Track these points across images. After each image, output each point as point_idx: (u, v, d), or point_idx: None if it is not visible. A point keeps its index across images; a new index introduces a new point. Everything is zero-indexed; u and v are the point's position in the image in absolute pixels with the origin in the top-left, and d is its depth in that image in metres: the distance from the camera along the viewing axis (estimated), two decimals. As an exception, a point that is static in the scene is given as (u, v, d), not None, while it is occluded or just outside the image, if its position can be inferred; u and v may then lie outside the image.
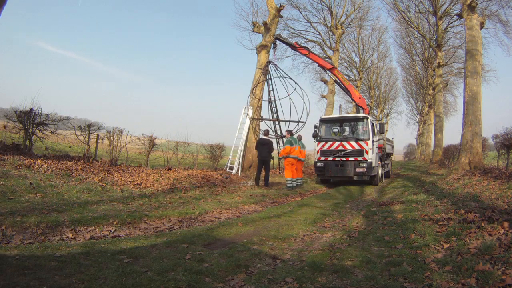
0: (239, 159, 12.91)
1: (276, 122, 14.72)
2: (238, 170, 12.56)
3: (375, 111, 40.88)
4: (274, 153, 15.30)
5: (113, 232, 4.19)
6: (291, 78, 13.87)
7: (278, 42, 15.19)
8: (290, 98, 13.88)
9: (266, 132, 10.50)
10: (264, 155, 9.79)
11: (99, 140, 10.28)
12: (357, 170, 10.91)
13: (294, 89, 13.88)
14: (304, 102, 13.49)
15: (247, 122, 13.60)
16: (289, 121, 13.92)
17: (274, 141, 14.89)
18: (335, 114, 22.88)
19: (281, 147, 15.31)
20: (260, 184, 9.99)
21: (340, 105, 36.38)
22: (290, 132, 11.30)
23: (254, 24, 15.81)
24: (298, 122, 13.55)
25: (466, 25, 11.73)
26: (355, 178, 11.03)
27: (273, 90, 14.69)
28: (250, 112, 13.61)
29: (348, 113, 31.55)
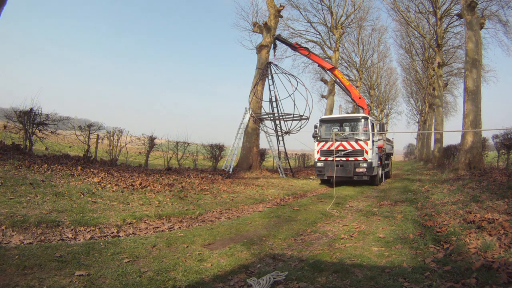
0: (232, 159, 12.89)
1: (277, 121, 14.71)
2: (229, 169, 12.52)
3: (375, 111, 40.89)
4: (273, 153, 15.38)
5: (113, 232, 4.19)
6: (292, 75, 13.85)
7: (278, 42, 15.20)
8: (292, 96, 13.89)
9: None
10: None
11: (99, 140, 10.28)
12: (357, 170, 10.91)
13: (296, 88, 13.87)
14: (306, 100, 13.37)
15: (245, 122, 13.63)
16: (292, 118, 13.87)
17: (274, 139, 14.94)
18: (335, 114, 22.89)
19: (281, 146, 15.34)
20: None
21: (340, 105, 36.45)
22: None
23: (254, 24, 15.82)
24: (301, 119, 13.51)
25: (465, 25, 11.73)
26: (355, 178, 11.03)
27: (274, 89, 14.71)
28: (247, 116, 13.61)
29: (348, 113, 31.57)
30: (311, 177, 14.56)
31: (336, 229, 4.93)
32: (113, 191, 6.15)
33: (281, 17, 16.34)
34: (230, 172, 12.03)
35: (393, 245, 3.67)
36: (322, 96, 28.13)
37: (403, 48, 32.27)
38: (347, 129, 11.85)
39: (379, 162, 12.05)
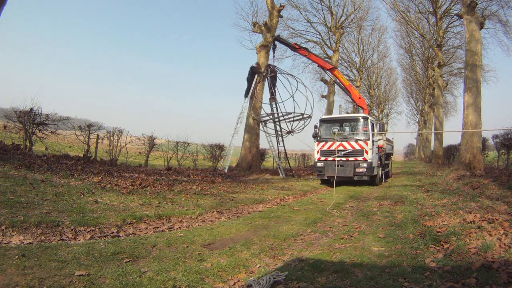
0: (228, 159, 12.91)
1: (277, 122, 14.70)
2: (225, 169, 12.53)
3: (375, 111, 40.91)
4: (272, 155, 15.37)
5: (113, 232, 4.19)
6: (292, 75, 13.86)
7: (277, 42, 15.20)
8: (292, 96, 13.87)
9: None
10: None
11: (99, 140, 10.29)
12: (357, 170, 10.91)
13: (297, 88, 13.87)
14: (307, 98, 13.33)
15: (244, 121, 13.67)
16: (293, 118, 13.86)
17: (274, 139, 14.94)
18: (335, 114, 22.88)
19: (281, 146, 15.34)
20: None
21: (340, 105, 36.46)
22: None
23: (254, 24, 15.82)
24: (303, 117, 13.49)
25: (466, 25, 11.74)
26: (355, 178, 11.02)
27: (274, 90, 14.71)
28: (246, 106, 13.72)
29: (348, 113, 31.57)
30: (311, 177, 14.56)
31: (336, 229, 4.93)
32: (113, 191, 6.15)
33: (281, 17, 16.34)
34: (226, 172, 12.03)
35: (393, 245, 3.67)
36: (322, 96, 28.16)
37: (403, 48, 32.36)
38: (347, 129, 11.85)
39: (379, 162, 12.05)
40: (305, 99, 13.96)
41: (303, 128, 13.81)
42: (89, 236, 3.88)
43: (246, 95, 14.20)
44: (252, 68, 14.11)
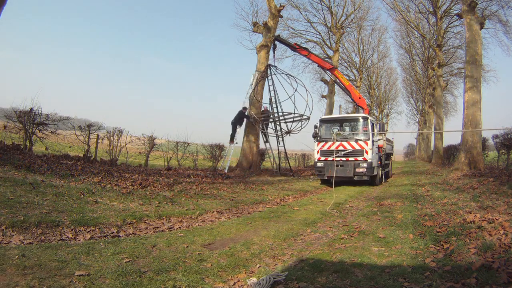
0: (229, 160, 12.92)
1: (277, 122, 14.71)
2: (225, 169, 12.55)
3: (375, 111, 40.90)
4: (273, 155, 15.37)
5: (113, 232, 4.19)
6: (292, 76, 13.88)
7: (277, 42, 15.20)
8: (291, 98, 13.89)
9: None
10: None
11: (99, 140, 10.29)
12: (357, 170, 10.91)
13: (295, 90, 13.86)
14: (306, 102, 13.34)
15: (244, 121, 13.68)
16: (293, 118, 13.85)
17: (274, 139, 14.98)
18: (335, 114, 22.91)
19: (281, 146, 15.35)
20: None
21: (340, 105, 36.46)
22: None
23: (254, 24, 15.80)
24: (301, 119, 13.50)
25: (466, 25, 11.74)
26: (355, 178, 11.03)
27: (274, 90, 14.72)
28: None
29: (348, 113, 31.57)
30: (311, 177, 14.56)
31: (336, 229, 4.93)
32: (113, 191, 6.14)
33: (281, 17, 16.32)
34: (226, 172, 12.04)
35: (393, 245, 3.67)
36: (322, 96, 28.16)
37: (403, 48, 32.35)
38: (347, 129, 11.85)
39: (379, 162, 12.05)
40: (302, 98, 13.93)
41: (300, 129, 13.84)
42: (89, 236, 3.88)
43: (231, 140, 13.35)
44: (240, 112, 13.39)
